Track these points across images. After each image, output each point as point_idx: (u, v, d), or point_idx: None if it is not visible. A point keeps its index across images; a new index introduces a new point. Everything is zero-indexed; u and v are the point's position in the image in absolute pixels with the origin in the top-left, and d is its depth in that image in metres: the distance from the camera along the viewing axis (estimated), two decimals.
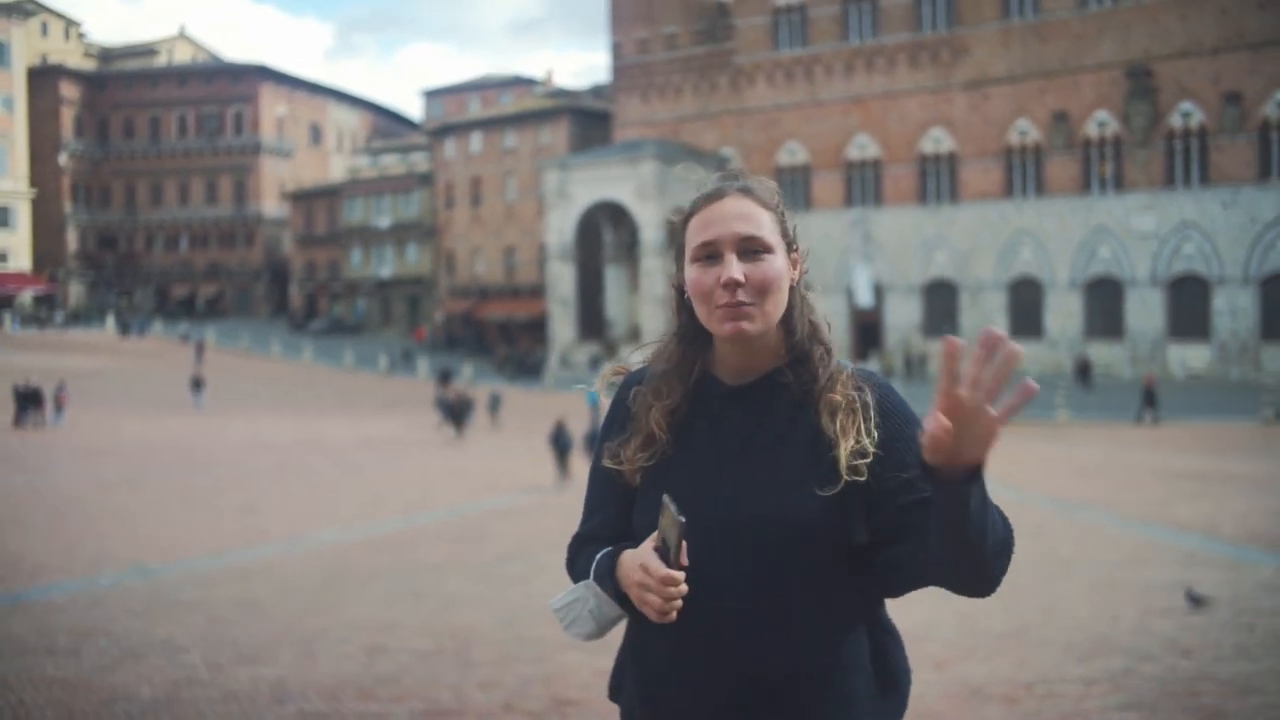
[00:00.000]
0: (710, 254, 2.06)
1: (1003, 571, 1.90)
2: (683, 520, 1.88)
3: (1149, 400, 34.86)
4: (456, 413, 32.64)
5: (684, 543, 1.91)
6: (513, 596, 11.22)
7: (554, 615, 2.17)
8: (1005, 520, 1.89)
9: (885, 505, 1.99)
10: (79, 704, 6.70)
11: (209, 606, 10.29)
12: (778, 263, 2.06)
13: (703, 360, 2.17)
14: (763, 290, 2.03)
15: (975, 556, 1.83)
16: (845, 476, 1.99)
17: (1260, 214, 45.73)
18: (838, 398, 2.05)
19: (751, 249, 2.05)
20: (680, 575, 1.91)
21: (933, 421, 1.69)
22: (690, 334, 2.16)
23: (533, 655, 8.32)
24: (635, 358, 2.37)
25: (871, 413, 2.06)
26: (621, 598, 2.05)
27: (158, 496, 19.93)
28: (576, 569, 2.23)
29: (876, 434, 2.03)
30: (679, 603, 1.92)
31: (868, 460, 2.00)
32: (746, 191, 2.10)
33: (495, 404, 36.79)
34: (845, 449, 2.00)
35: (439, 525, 17.39)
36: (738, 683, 2.01)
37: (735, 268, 2.02)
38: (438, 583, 12.09)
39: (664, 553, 1.93)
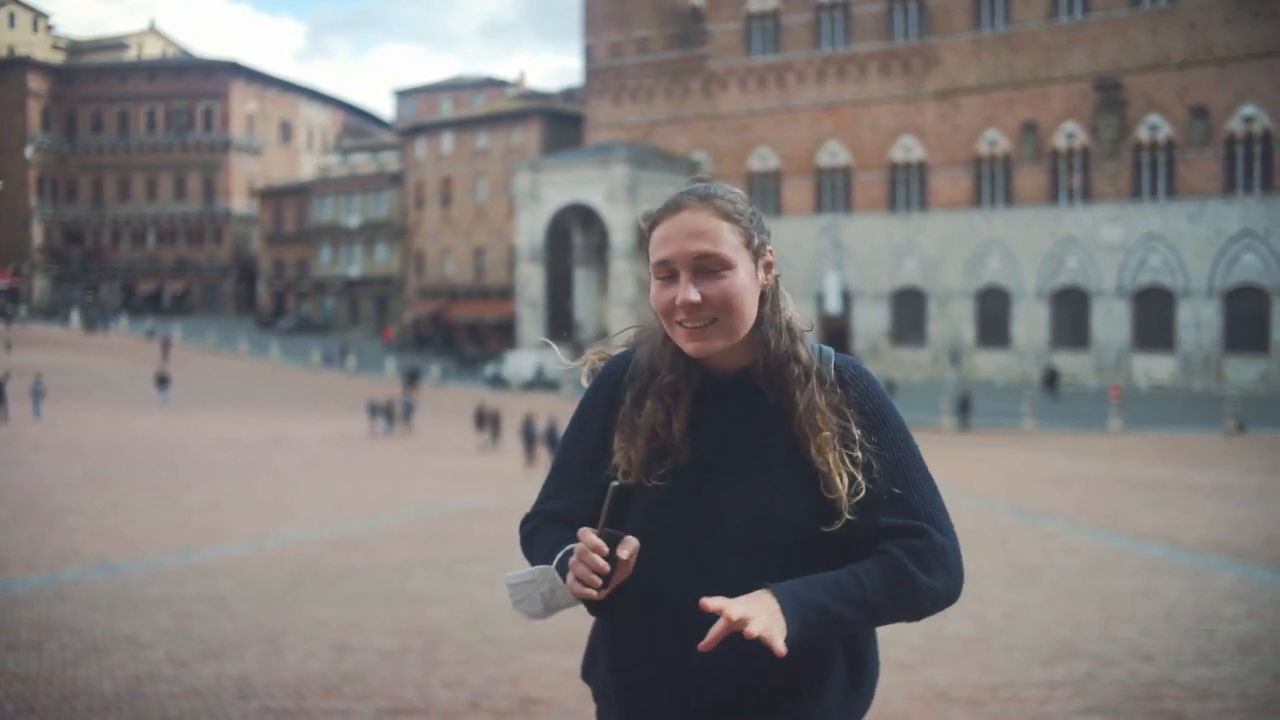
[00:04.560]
0: (669, 272, 2.02)
1: (930, 612, 2.06)
2: (614, 484, 1.90)
3: (963, 409, 37.19)
4: (492, 421, 32.54)
5: (616, 512, 1.92)
6: (478, 596, 11.19)
7: (506, 589, 2.14)
8: (912, 588, 2.01)
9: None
10: (40, 699, 6.64)
11: (173, 603, 10.22)
12: (738, 278, 2.01)
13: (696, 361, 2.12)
14: (724, 307, 1.99)
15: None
16: (847, 515, 2.00)
17: (1225, 227, 46.19)
18: (826, 434, 2.03)
19: (708, 266, 2.00)
20: (604, 547, 1.89)
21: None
22: None
23: (499, 654, 8.31)
24: (617, 340, 2.34)
25: (853, 431, 2.05)
26: (587, 605, 2.03)
27: (123, 493, 19.78)
28: (534, 549, 2.16)
29: (859, 456, 2.04)
30: (598, 580, 1.89)
31: (860, 498, 2.01)
32: (706, 201, 2.04)
33: (409, 411, 36.45)
34: (845, 489, 2.00)
35: (405, 524, 17.35)
36: (709, 674, 2.01)
37: (691, 290, 1.98)
38: (403, 582, 12.04)
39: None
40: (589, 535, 1.90)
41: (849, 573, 1.96)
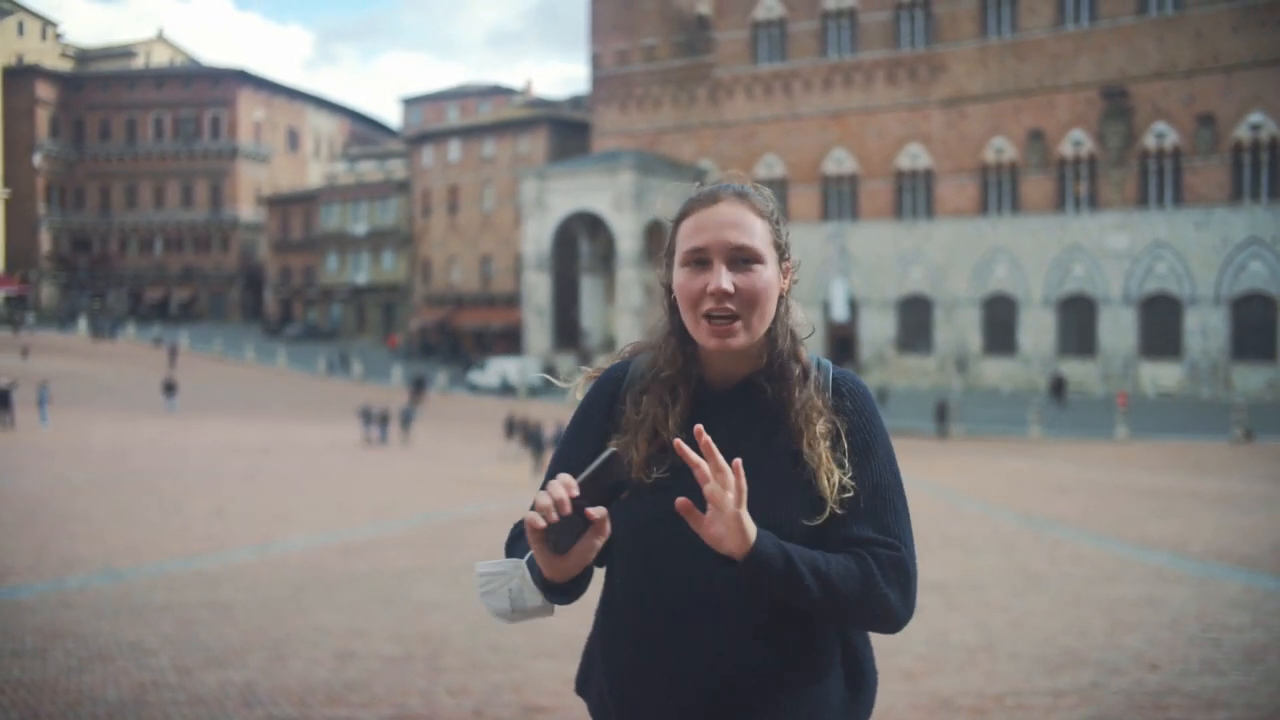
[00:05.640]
0: (700, 260, 2.03)
1: (876, 621, 2.07)
2: (613, 448, 1.89)
3: (941, 416, 37.75)
4: (521, 429, 32.29)
5: (601, 477, 1.86)
6: (482, 604, 11.15)
7: (476, 577, 2.06)
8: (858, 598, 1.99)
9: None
10: (45, 706, 6.64)
11: (178, 610, 10.22)
12: (768, 274, 2.03)
13: (696, 362, 2.14)
14: (751, 302, 2.00)
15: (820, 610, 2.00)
16: (835, 509, 2.01)
17: (1232, 235, 46.13)
18: (820, 429, 2.04)
19: (743, 258, 2.01)
20: (573, 485, 1.82)
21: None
22: (685, 333, 2.11)
23: (502, 662, 8.30)
24: (613, 356, 2.32)
25: (843, 440, 2.06)
26: (546, 589, 1.96)
27: (128, 499, 19.79)
28: (514, 547, 2.13)
29: (848, 465, 2.05)
30: (553, 514, 1.79)
31: (849, 495, 2.02)
32: (742, 197, 2.06)
33: (408, 419, 36.23)
34: (833, 486, 2.01)
35: (409, 531, 17.34)
36: (708, 683, 2.00)
37: (725, 278, 1.99)
38: (407, 589, 12.04)
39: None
40: (564, 476, 1.85)
41: (821, 553, 1.97)
